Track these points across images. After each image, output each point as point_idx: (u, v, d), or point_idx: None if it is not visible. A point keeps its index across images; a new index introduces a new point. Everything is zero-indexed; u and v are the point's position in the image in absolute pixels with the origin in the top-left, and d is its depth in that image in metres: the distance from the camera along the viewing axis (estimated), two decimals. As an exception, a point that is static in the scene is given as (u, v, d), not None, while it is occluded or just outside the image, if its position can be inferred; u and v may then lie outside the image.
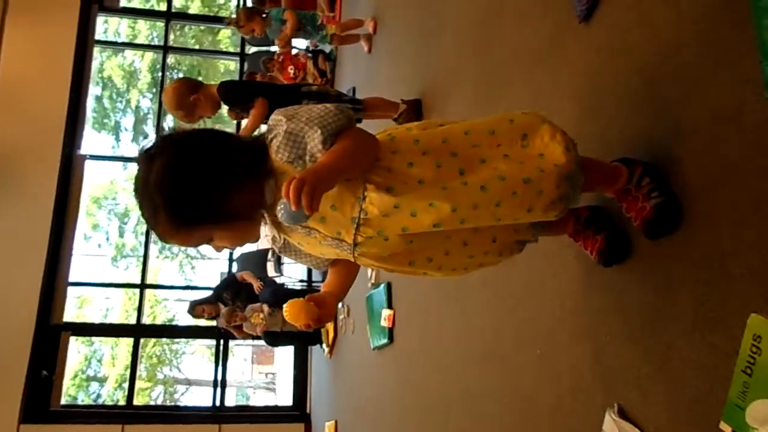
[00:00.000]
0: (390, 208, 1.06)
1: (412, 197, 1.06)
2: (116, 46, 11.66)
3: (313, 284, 6.50)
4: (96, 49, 7.42)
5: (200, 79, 3.29)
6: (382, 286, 3.39)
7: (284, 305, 1.17)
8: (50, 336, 5.89)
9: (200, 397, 13.35)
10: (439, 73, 2.89)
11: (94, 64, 7.73)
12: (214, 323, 5.53)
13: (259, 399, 14.59)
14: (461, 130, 1.15)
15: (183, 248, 1.33)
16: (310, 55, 5.78)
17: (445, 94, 2.77)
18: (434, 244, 1.15)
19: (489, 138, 1.13)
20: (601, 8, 1.52)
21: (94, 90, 12.04)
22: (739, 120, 1.06)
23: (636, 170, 1.24)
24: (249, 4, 7.40)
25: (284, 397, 7.99)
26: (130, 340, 6.86)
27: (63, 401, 6.34)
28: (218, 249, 1.14)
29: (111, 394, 12.34)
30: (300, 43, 5.98)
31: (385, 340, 3.29)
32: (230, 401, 10.00)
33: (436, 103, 2.88)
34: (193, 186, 1.04)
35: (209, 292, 5.80)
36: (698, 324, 1.11)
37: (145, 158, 1.07)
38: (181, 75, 10.91)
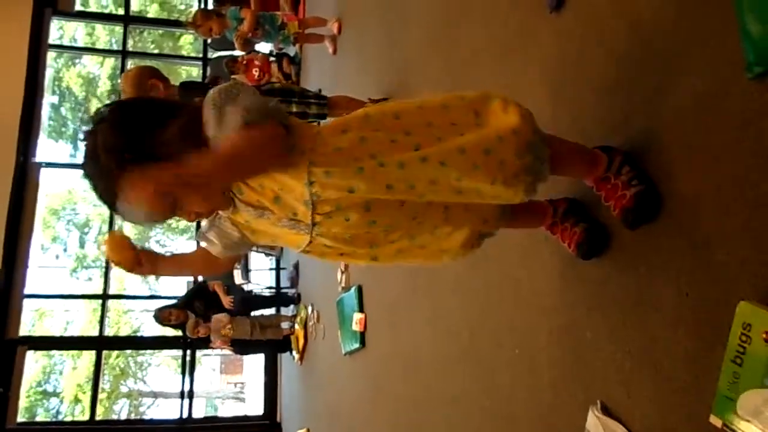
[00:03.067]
0: (338, 171, 1.02)
1: (361, 157, 1.02)
2: (72, 51, 11.32)
3: (282, 290, 6.39)
4: (52, 57, 7.19)
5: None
6: (353, 289, 3.33)
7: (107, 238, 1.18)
8: (5, 351, 5.65)
9: (167, 410, 13.04)
10: (406, 71, 2.84)
11: (51, 73, 7.49)
12: (180, 333, 5.36)
13: (229, 409, 14.31)
14: (414, 105, 1.12)
15: (148, 223, 1.20)
16: (273, 58, 5.69)
17: (412, 91, 2.72)
18: (398, 225, 1.12)
19: (442, 113, 1.10)
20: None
21: (51, 99, 11.68)
22: (721, 104, 1.04)
23: (615, 158, 1.20)
24: (210, 7, 7.26)
25: (254, 406, 7.83)
26: (92, 353, 6.63)
27: (19, 419, 6.08)
28: (191, 217, 1.05)
29: (71, 408, 11.90)
30: (264, 48, 5.89)
31: (357, 345, 3.23)
32: (199, 413, 9.75)
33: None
34: (143, 140, 0.98)
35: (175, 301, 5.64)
36: (683, 315, 1.08)
37: (88, 133, 1.02)
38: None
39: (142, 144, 0.98)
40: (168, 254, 1.26)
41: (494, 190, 1.06)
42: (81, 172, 1.04)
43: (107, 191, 0.99)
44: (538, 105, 1.56)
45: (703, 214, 1.06)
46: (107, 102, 1.14)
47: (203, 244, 1.18)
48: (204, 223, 1.18)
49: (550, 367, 1.49)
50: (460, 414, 1.99)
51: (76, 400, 11.16)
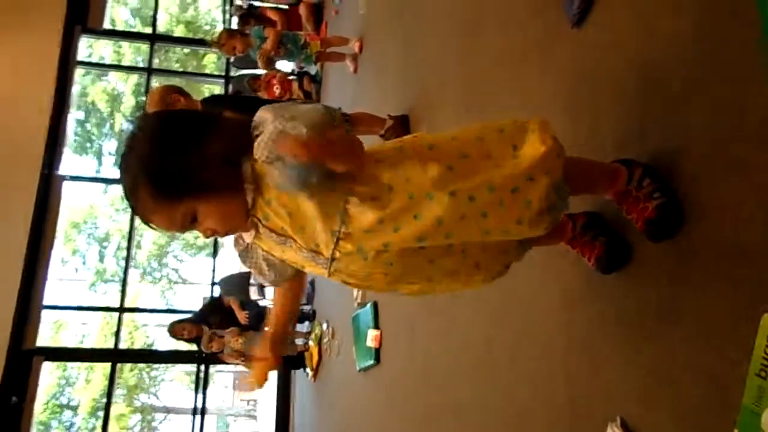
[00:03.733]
0: (373, 222, 1.01)
1: (397, 208, 1.01)
2: (100, 68, 11.60)
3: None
4: (80, 74, 7.38)
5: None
6: (369, 305, 3.32)
7: (253, 371, 1.29)
8: (22, 361, 5.70)
9: (179, 426, 12.99)
10: (426, 88, 2.87)
11: (78, 89, 7.68)
12: (194, 347, 5.37)
13: (240, 427, 14.24)
14: (448, 136, 1.11)
15: (169, 233, 1.27)
16: (295, 77, 5.77)
17: (432, 107, 2.75)
18: (416, 270, 1.10)
19: (477, 145, 1.08)
20: (595, 10, 1.50)
21: (77, 114, 11.96)
22: (742, 115, 1.03)
23: (636, 171, 1.20)
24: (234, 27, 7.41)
25: (266, 424, 7.78)
26: (107, 366, 6.66)
27: (34, 430, 6.10)
28: (207, 233, 1.07)
29: (85, 422, 11.94)
30: (285, 67, 5.98)
31: (371, 362, 3.21)
32: (210, 430, 9.73)
33: (424, 118, 2.86)
34: (171, 154, 0.99)
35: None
36: (704, 329, 1.06)
37: (128, 137, 1.04)
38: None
39: (168, 175, 1.00)
40: (267, 329, 1.32)
41: (518, 229, 1.06)
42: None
43: (131, 198, 1.03)
44: (557, 118, 1.57)
45: (726, 226, 1.05)
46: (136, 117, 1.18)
47: (260, 279, 1.21)
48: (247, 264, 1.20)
49: (567, 382, 1.47)
50: (476, 427, 1.97)
51: (92, 414, 11.20)
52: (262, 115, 1.03)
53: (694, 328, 1.09)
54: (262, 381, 1.34)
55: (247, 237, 1.13)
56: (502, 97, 2.01)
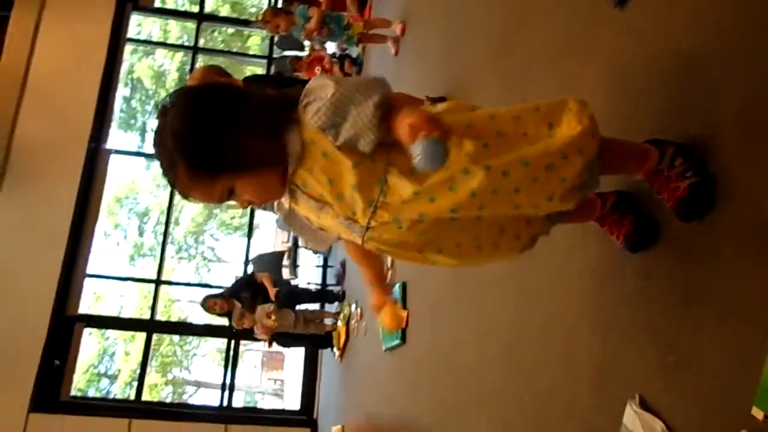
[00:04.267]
0: (410, 194, 1.03)
1: (434, 182, 1.03)
2: (148, 45, 11.88)
3: (327, 287, 6.47)
4: (128, 51, 7.56)
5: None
6: (397, 285, 3.35)
7: (382, 318, 1.32)
8: (65, 327, 5.94)
9: (208, 399, 13.34)
10: (465, 73, 2.87)
11: (125, 66, 7.87)
12: (226, 321, 5.51)
13: (267, 404, 14.53)
14: (485, 115, 1.12)
15: (207, 203, 1.31)
16: (336, 59, 5.82)
17: (471, 91, 2.75)
18: (447, 235, 1.12)
19: (514, 124, 1.09)
20: (637, -9, 1.49)
21: (123, 91, 12.27)
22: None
23: (668, 150, 1.19)
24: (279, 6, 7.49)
25: (292, 403, 7.93)
26: (143, 336, 6.88)
27: (73, 394, 6.37)
28: (243, 204, 1.10)
29: (121, 390, 12.38)
30: (328, 49, 6.03)
31: (397, 341, 3.24)
32: (238, 404, 9.96)
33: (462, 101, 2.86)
34: (208, 131, 1.01)
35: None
36: (732, 308, 1.06)
37: (162, 112, 1.06)
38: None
39: (206, 153, 1.02)
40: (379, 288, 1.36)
41: (550, 204, 1.07)
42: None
43: (169, 176, 1.05)
44: (596, 100, 1.56)
45: (760, 206, 1.04)
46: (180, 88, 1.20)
47: (318, 247, 1.25)
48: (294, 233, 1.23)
49: (591, 363, 1.48)
50: (500, 409, 1.99)
51: (128, 384, 11.59)
52: (319, 82, 1.05)
53: (721, 308, 1.09)
54: (394, 323, 1.35)
55: (285, 201, 1.16)
56: (543, 82, 2.00)
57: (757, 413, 0.93)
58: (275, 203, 1.21)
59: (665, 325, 1.22)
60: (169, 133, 1.03)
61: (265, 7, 7.58)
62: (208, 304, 5.21)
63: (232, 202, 1.13)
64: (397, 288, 3.35)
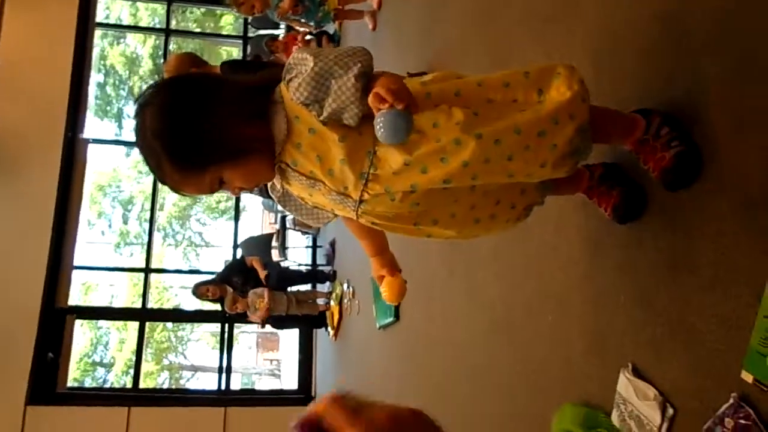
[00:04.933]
0: (400, 164, 1.02)
1: (424, 152, 1.02)
2: (118, 29, 11.60)
3: (318, 267, 6.48)
4: (98, 36, 7.38)
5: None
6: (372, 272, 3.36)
7: (381, 290, 1.30)
8: (56, 319, 5.91)
9: (206, 384, 13.43)
10: (447, 44, 2.84)
11: (96, 52, 7.68)
12: (218, 306, 5.51)
13: (265, 385, 14.65)
14: (474, 82, 1.11)
15: (199, 196, 1.29)
16: (313, 36, 5.71)
17: (453, 65, 2.72)
18: (441, 205, 1.12)
19: (503, 90, 1.09)
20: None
21: (96, 77, 12.02)
22: (763, 67, 1.02)
23: (654, 120, 1.19)
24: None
25: (290, 382, 8.01)
26: (136, 325, 6.87)
27: (69, 385, 6.37)
28: (235, 191, 1.09)
29: (118, 379, 12.40)
30: (303, 27, 5.92)
31: (391, 319, 3.27)
32: (236, 387, 10.04)
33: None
34: (188, 126, 1.00)
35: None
36: (719, 276, 1.08)
37: (139, 108, 1.04)
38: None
39: (190, 147, 1.01)
40: (382, 258, 1.35)
41: (542, 171, 1.07)
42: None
43: (157, 173, 1.04)
44: (581, 70, 1.56)
45: (746, 176, 1.05)
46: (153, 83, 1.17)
47: (317, 224, 1.25)
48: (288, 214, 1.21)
49: (582, 332, 1.50)
50: (494, 383, 2.02)
51: (125, 372, 11.61)
52: (299, 56, 1.03)
53: (709, 276, 1.10)
54: (394, 294, 1.33)
55: (278, 182, 1.15)
56: (526, 53, 1.99)
57: (747, 377, 0.95)
58: (269, 186, 1.20)
59: (656, 294, 1.24)
60: (149, 132, 1.01)
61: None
62: (199, 291, 5.20)
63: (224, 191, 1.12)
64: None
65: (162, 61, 8.50)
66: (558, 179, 1.26)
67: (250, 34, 7.42)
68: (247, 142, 1.03)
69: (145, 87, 1.09)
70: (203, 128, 1.00)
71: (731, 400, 0.97)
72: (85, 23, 6.59)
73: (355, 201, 1.08)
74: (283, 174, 1.11)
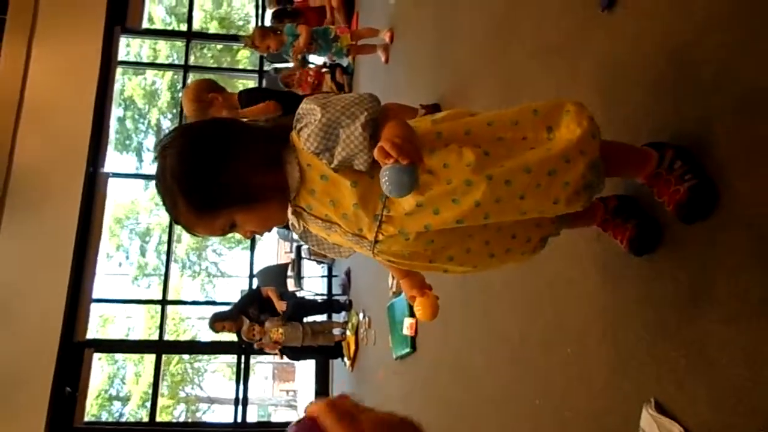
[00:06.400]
0: (413, 206, 1.04)
1: (436, 193, 1.03)
2: (138, 66, 11.91)
3: (333, 296, 6.47)
4: (118, 72, 7.57)
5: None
6: (404, 294, 3.35)
7: (415, 309, 1.30)
8: (74, 353, 5.94)
9: (222, 416, 13.31)
10: (458, 77, 2.87)
11: (117, 87, 7.89)
12: (234, 336, 5.50)
13: (281, 416, 14.51)
14: (484, 121, 1.12)
15: (210, 237, 1.33)
16: (327, 69, 5.82)
17: (465, 97, 2.75)
18: (455, 242, 1.13)
19: (513, 129, 1.10)
20: (624, -7, 1.49)
21: (116, 111, 12.29)
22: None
23: (667, 153, 1.20)
24: (267, 22, 7.50)
25: (306, 413, 7.91)
26: (154, 358, 6.88)
27: (86, 419, 6.36)
28: (246, 234, 1.12)
29: (134, 413, 12.36)
30: (318, 60, 6.03)
31: (407, 350, 3.24)
32: (251, 419, 9.95)
33: (456, 107, 2.86)
34: (206, 170, 1.03)
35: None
36: (740, 309, 1.06)
37: (161, 150, 1.08)
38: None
39: (206, 191, 1.03)
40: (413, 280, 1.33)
41: (556, 208, 1.08)
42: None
43: (172, 212, 1.07)
44: (590, 105, 1.57)
45: (761, 207, 1.04)
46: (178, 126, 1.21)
47: (339, 257, 1.27)
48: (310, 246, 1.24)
49: (602, 366, 1.48)
50: (512, 416, 1.99)
51: (141, 406, 11.58)
52: (308, 106, 1.05)
53: (729, 309, 1.09)
54: (427, 313, 1.33)
55: (297, 222, 1.17)
56: (537, 85, 2.01)
57: (774, 415, 0.93)
58: (290, 225, 1.22)
59: (675, 327, 1.22)
60: (168, 173, 1.04)
61: (253, 23, 7.59)
62: (216, 326, 5.23)
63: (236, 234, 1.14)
64: (403, 296, 3.34)
65: (180, 95, 8.69)
66: (573, 212, 1.26)
67: (266, 68, 7.58)
68: (260, 188, 1.06)
69: (167, 129, 1.13)
70: (220, 173, 1.03)
71: (758, 438, 0.95)
72: (108, 63, 6.79)
73: (371, 242, 1.10)
74: (299, 216, 1.13)
